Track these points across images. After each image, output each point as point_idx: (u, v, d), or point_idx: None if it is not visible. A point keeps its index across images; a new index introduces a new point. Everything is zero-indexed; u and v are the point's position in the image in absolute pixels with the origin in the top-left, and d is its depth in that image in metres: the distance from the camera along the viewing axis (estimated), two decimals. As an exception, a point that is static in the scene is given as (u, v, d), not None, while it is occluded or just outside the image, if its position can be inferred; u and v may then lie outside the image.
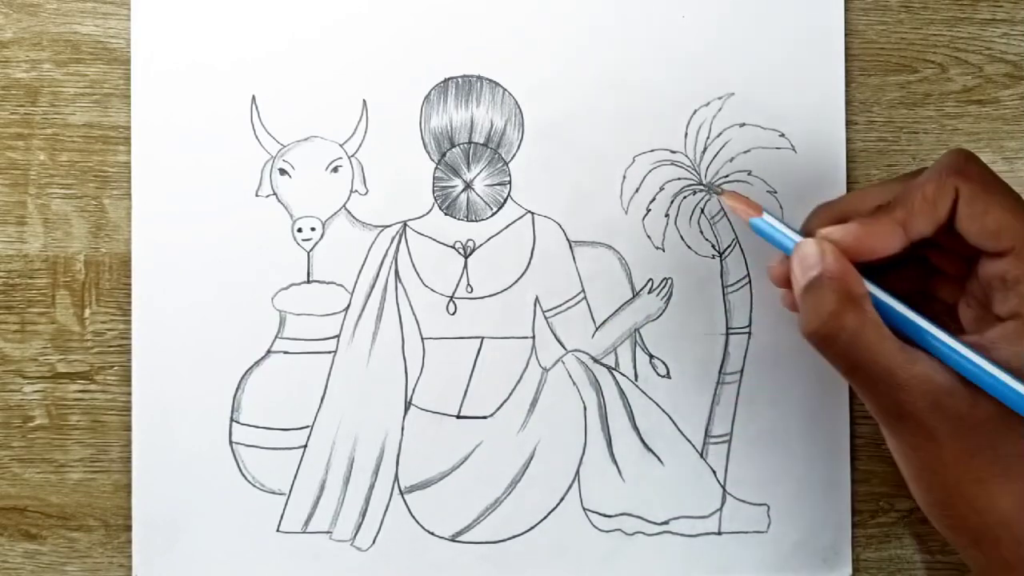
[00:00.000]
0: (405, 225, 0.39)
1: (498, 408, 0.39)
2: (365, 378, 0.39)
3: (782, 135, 0.39)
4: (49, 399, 0.39)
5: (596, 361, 0.39)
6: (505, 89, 0.39)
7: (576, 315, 0.39)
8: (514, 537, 0.39)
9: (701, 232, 0.39)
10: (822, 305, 0.31)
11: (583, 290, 0.39)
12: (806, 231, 0.34)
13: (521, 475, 0.39)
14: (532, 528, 0.39)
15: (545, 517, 0.39)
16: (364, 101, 0.39)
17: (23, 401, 0.39)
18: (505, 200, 0.39)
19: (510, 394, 0.39)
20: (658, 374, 0.39)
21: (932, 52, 0.40)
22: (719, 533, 0.39)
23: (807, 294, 0.32)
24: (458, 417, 0.39)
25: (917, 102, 0.40)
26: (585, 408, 0.39)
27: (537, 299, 0.39)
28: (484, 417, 0.39)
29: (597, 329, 0.39)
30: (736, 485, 0.39)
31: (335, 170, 0.39)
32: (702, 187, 0.39)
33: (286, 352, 0.39)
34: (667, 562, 0.39)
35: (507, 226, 0.39)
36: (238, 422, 0.38)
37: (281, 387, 0.39)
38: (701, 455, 0.39)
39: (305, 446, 0.39)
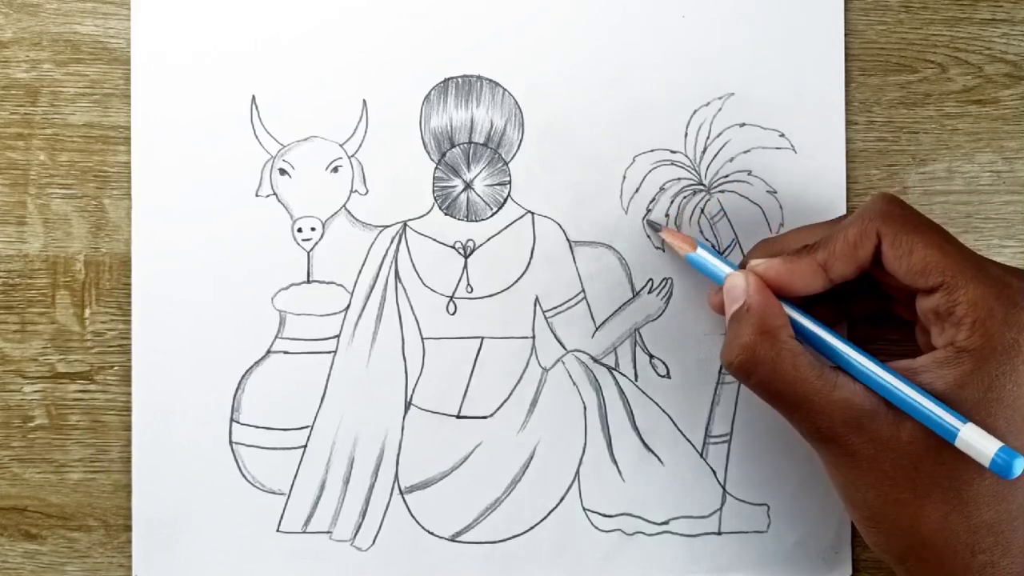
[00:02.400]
0: (405, 225, 0.39)
1: (498, 408, 0.39)
2: (365, 378, 0.39)
3: (782, 135, 0.39)
4: (49, 399, 0.39)
5: (596, 361, 0.39)
6: (505, 89, 0.39)
7: (576, 315, 0.39)
8: (514, 537, 0.39)
9: (701, 232, 0.39)
10: (739, 336, 0.32)
11: (583, 290, 0.39)
12: (742, 264, 0.35)
13: (521, 475, 0.39)
14: (532, 528, 0.39)
15: (545, 517, 0.39)
16: (364, 101, 0.39)
17: (23, 401, 0.39)
18: (505, 200, 0.39)
19: (510, 394, 0.39)
20: (658, 374, 0.39)
21: (932, 52, 0.40)
22: (719, 533, 0.39)
23: (730, 325, 0.33)
24: (458, 417, 0.39)
25: (917, 102, 0.40)
26: (585, 408, 0.39)
27: (537, 299, 0.39)
28: (484, 417, 0.39)
29: (597, 329, 0.39)
30: (736, 485, 0.39)
31: (335, 170, 0.39)
32: (702, 187, 0.39)
33: (286, 352, 0.39)
34: (667, 562, 0.39)
35: (507, 226, 0.39)
36: (238, 422, 0.38)
37: (281, 387, 0.39)
38: (701, 455, 0.39)
39: (305, 446, 0.39)
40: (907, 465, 0.31)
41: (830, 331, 0.33)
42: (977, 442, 0.29)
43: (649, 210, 0.39)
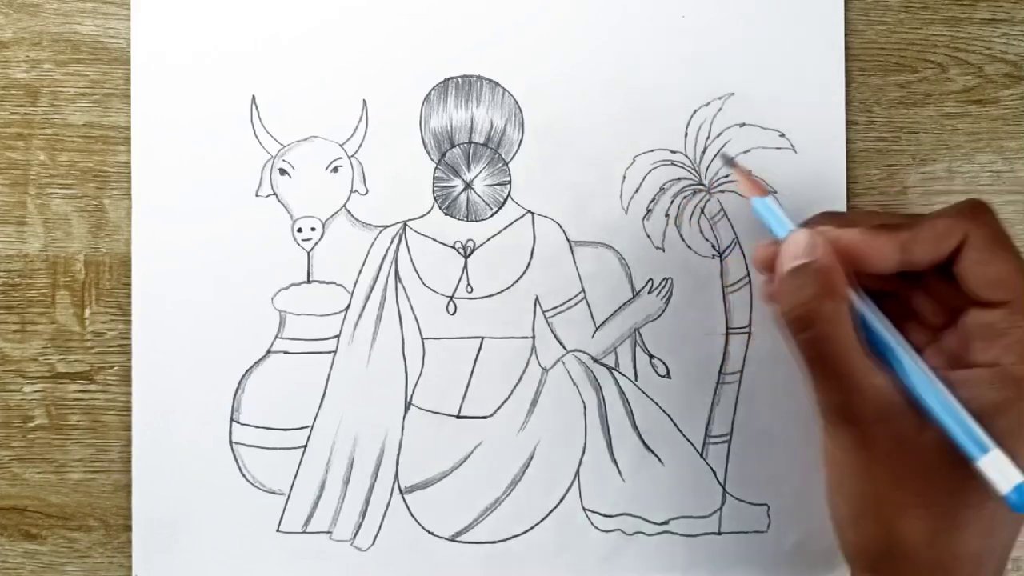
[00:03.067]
0: (405, 225, 0.39)
1: (498, 408, 0.39)
2: (365, 378, 0.39)
3: (782, 135, 0.39)
4: (49, 399, 0.39)
5: (596, 361, 0.39)
6: (505, 89, 0.39)
7: (576, 315, 0.39)
8: (514, 537, 0.39)
9: (701, 232, 0.39)
10: (804, 288, 0.31)
11: (583, 290, 0.39)
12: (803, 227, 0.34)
13: (521, 475, 0.39)
14: (532, 528, 0.39)
15: (545, 517, 0.39)
16: (364, 101, 0.39)
17: (23, 401, 0.39)
18: (505, 200, 0.39)
19: (510, 394, 0.39)
20: (658, 374, 0.39)
21: (932, 52, 0.40)
22: (719, 533, 0.39)
23: (791, 277, 0.32)
24: (458, 417, 0.39)
25: (917, 102, 0.40)
26: (585, 408, 0.39)
27: (537, 299, 0.39)
28: (484, 417, 0.39)
29: (597, 329, 0.39)
30: (736, 485, 0.39)
31: (335, 170, 0.39)
32: (702, 187, 0.39)
33: (286, 352, 0.39)
34: (667, 562, 0.39)
35: (507, 226, 0.39)
36: (238, 422, 0.38)
37: (281, 387, 0.39)
38: (701, 455, 0.39)
39: (305, 446, 0.39)
40: (918, 471, 0.31)
41: (884, 317, 0.32)
42: (1000, 469, 0.29)
43: (649, 210, 0.39)
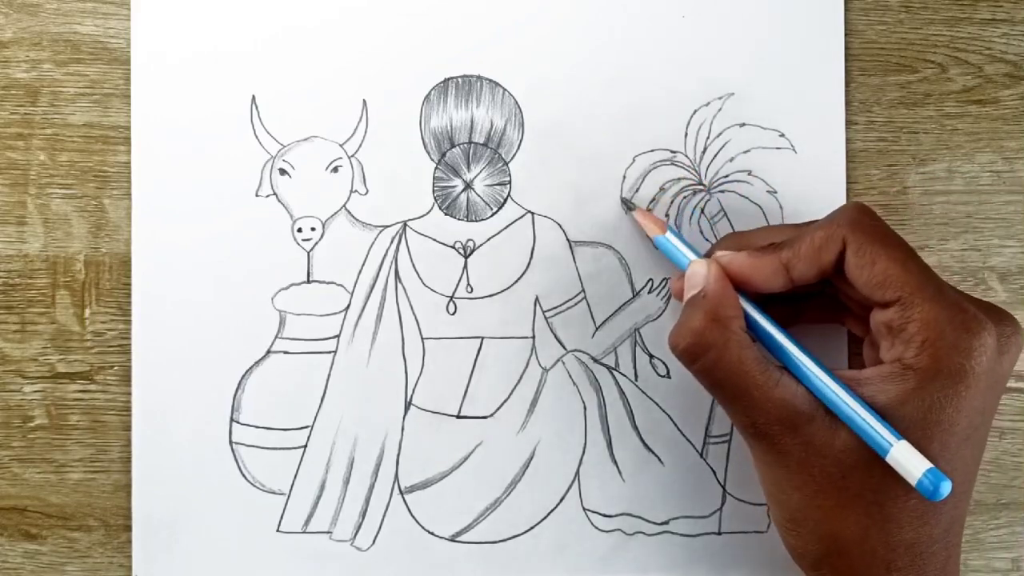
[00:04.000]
0: (405, 225, 0.39)
1: (498, 408, 0.39)
2: (365, 378, 0.39)
3: (782, 135, 0.39)
4: (49, 399, 0.39)
5: (596, 361, 0.39)
6: (505, 89, 0.39)
7: (576, 315, 0.39)
8: (514, 537, 0.39)
9: (701, 232, 0.39)
10: (690, 320, 0.33)
11: (583, 290, 0.39)
12: (709, 254, 0.36)
13: (521, 475, 0.39)
14: (532, 528, 0.39)
15: (545, 517, 0.39)
16: (364, 101, 0.39)
17: (23, 401, 0.39)
18: (505, 200, 0.39)
19: (510, 394, 0.39)
20: (658, 374, 0.39)
21: (932, 52, 0.40)
22: (719, 533, 0.39)
23: (684, 310, 0.34)
24: (458, 417, 0.39)
25: (917, 102, 0.40)
26: (585, 408, 0.39)
27: (537, 299, 0.39)
28: (484, 417, 0.39)
29: (597, 329, 0.39)
30: (736, 485, 0.39)
31: (335, 170, 0.39)
32: (702, 187, 0.39)
33: (286, 352, 0.39)
34: (667, 562, 0.39)
35: (507, 226, 0.39)
36: (238, 422, 0.38)
37: (281, 387, 0.39)
38: (701, 455, 0.39)
39: (305, 446, 0.39)
40: (836, 473, 0.31)
41: (781, 330, 0.33)
42: (908, 460, 0.30)
43: (649, 210, 0.39)
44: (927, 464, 0.29)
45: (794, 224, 0.37)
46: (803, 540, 0.33)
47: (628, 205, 0.39)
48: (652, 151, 0.39)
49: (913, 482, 0.30)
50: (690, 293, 0.34)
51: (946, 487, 0.29)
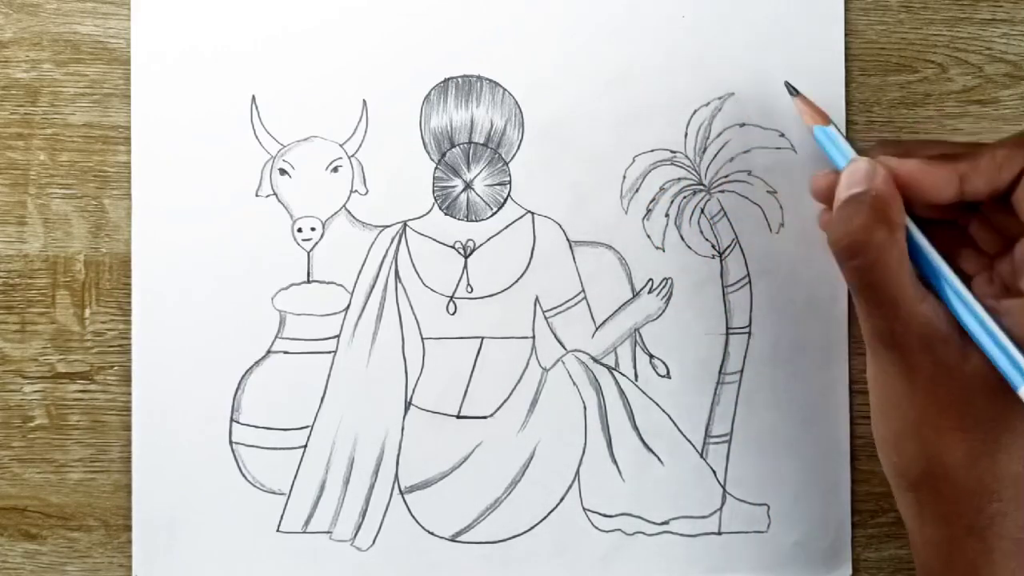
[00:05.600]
0: (405, 225, 0.39)
1: (498, 408, 0.39)
2: (365, 378, 0.39)
3: (782, 135, 0.39)
4: (49, 399, 0.39)
5: (596, 361, 0.39)
6: (505, 89, 0.39)
7: (576, 315, 0.39)
8: (514, 537, 0.39)
9: (701, 232, 0.39)
10: (856, 216, 0.31)
11: (583, 290, 0.39)
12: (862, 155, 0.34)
13: (521, 475, 0.39)
14: (532, 528, 0.39)
15: (545, 517, 0.39)
16: (364, 101, 0.39)
17: (23, 401, 0.39)
18: (505, 200, 0.39)
19: (510, 394, 0.39)
20: (658, 374, 0.39)
21: (932, 52, 0.40)
22: (719, 533, 0.39)
23: (846, 205, 0.32)
24: (458, 417, 0.39)
25: (917, 102, 0.40)
26: (585, 408, 0.39)
27: (537, 299, 0.39)
28: (484, 417, 0.39)
29: (597, 329, 0.39)
30: (736, 485, 0.39)
31: (335, 170, 0.39)
32: (702, 187, 0.39)
33: (286, 352, 0.39)
34: (667, 562, 0.39)
35: (507, 226, 0.39)
36: (238, 422, 0.38)
37: (281, 387, 0.39)
38: (701, 455, 0.39)
39: (305, 446, 0.39)
40: (960, 396, 0.31)
41: (935, 249, 0.33)
42: None
43: (649, 210, 0.39)
44: None
45: (951, 142, 0.36)
46: (907, 459, 0.32)
47: (792, 90, 0.38)
48: (652, 151, 0.39)
49: None
50: (852, 190, 0.32)
51: None
